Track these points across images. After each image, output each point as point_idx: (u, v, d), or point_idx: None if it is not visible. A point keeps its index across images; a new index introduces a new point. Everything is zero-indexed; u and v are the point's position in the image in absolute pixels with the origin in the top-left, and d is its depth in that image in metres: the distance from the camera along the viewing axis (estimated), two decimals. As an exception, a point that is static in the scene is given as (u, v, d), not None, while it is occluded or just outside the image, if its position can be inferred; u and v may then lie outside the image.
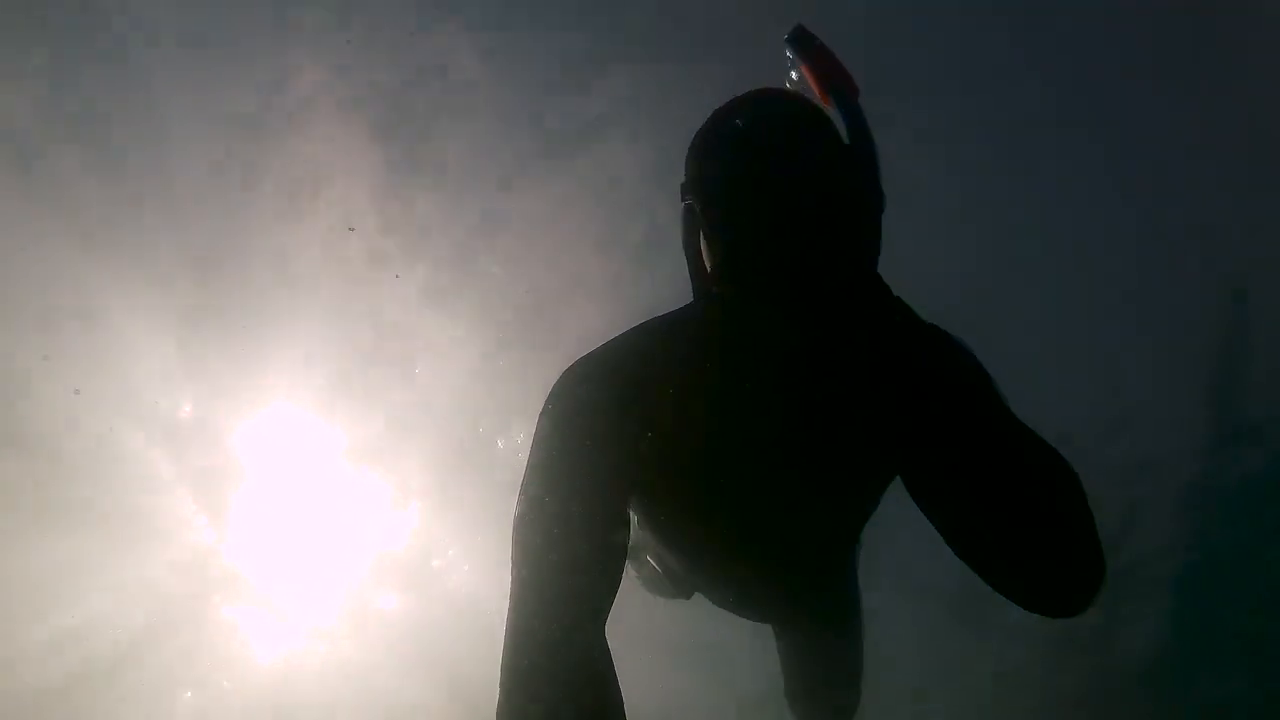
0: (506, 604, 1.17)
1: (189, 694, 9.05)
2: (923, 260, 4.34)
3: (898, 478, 1.33)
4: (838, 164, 1.17)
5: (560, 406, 1.26)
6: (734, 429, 1.34)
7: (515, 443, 7.63)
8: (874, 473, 1.48)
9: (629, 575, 2.63)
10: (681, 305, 1.42)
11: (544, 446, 1.24)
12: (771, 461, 1.38)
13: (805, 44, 1.36)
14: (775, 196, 1.13)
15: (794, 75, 1.40)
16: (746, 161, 1.16)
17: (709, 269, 1.25)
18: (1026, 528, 1.10)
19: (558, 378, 1.32)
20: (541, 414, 1.28)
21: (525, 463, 1.26)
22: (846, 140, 1.24)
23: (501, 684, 1.09)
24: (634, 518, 1.53)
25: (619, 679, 1.13)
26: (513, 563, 1.17)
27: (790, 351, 1.26)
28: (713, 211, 1.20)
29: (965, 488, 1.14)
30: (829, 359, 1.25)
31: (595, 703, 1.07)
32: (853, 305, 1.14)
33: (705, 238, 1.24)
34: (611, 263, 7.42)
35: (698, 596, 2.26)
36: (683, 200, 1.27)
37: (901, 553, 5.72)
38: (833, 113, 1.28)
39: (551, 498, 1.18)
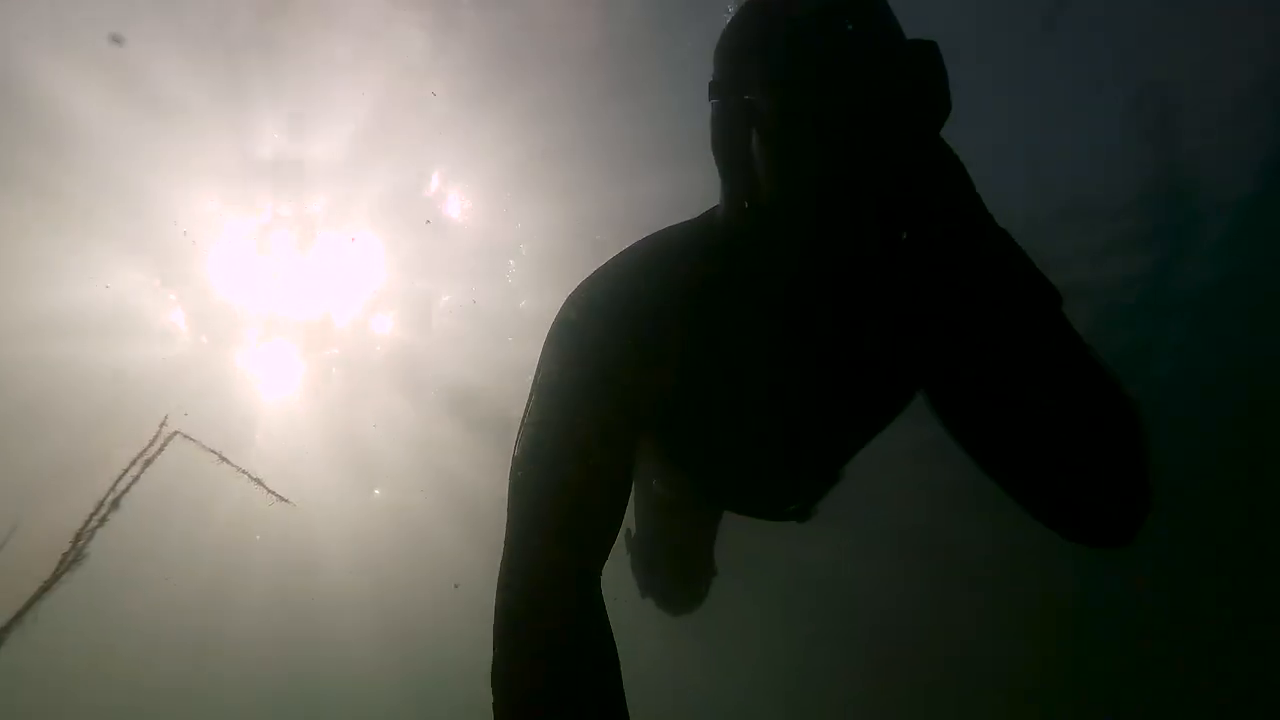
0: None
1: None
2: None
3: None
4: (912, 58, 1.06)
5: (571, 340, 1.19)
6: (760, 362, 1.26)
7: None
8: (907, 391, 1.38)
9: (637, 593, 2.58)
10: (702, 213, 1.32)
11: (550, 382, 1.16)
12: (800, 389, 1.30)
13: None
14: (857, 89, 1.02)
15: None
16: (823, 53, 1.04)
17: (761, 173, 1.12)
18: (1083, 467, 1.06)
19: (570, 297, 1.24)
20: (549, 340, 1.20)
21: (530, 387, 1.19)
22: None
23: (496, 638, 1.04)
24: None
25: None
26: (509, 505, 1.12)
27: (839, 265, 1.15)
28: (787, 109, 1.06)
29: (1017, 415, 1.10)
30: (876, 272, 1.17)
31: (592, 658, 1.04)
32: (923, 213, 1.07)
33: (763, 139, 1.10)
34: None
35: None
36: (714, 97, 1.15)
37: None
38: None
39: (555, 438, 1.11)
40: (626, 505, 1.17)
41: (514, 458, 1.14)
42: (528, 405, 1.18)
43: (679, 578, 2.50)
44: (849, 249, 1.11)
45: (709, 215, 1.30)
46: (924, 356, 1.26)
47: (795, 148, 1.07)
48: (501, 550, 1.10)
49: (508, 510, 1.12)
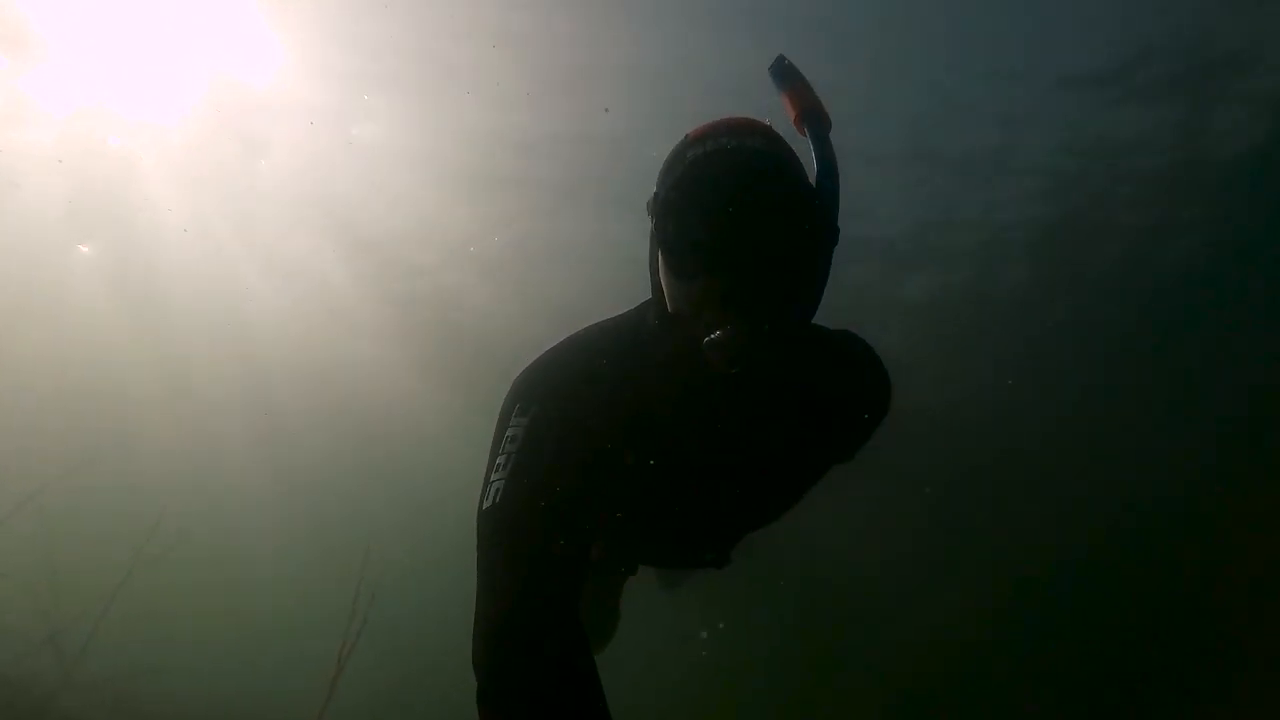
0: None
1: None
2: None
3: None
4: (801, 230, 1.21)
5: (534, 416, 1.34)
6: (673, 453, 1.45)
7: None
8: (806, 478, 1.70)
9: None
10: (639, 306, 1.50)
11: (522, 449, 1.30)
12: (709, 477, 1.53)
13: (787, 75, 1.45)
14: (737, 268, 1.18)
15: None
16: (712, 233, 1.18)
17: (666, 298, 1.31)
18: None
19: (523, 380, 1.42)
20: (510, 414, 1.37)
21: (491, 449, 1.35)
22: (815, 165, 1.32)
23: (484, 669, 1.12)
24: None
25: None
26: (480, 551, 1.23)
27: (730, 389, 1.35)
28: (674, 263, 1.24)
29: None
30: (760, 392, 1.40)
31: (574, 680, 1.11)
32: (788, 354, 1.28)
33: (664, 275, 1.29)
34: None
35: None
36: (648, 207, 1.31)
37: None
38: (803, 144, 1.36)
39: (527, 497, 1.24)
40: (593, 541, 1.32)
41: (483, 511, 1.27)
42: (492, 466, 1.32)
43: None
44: (726, 366, 1.24)
45: (641, 312, 1.48)
46: (826, 444, 1.59)
47: (672, 272, 1.25)
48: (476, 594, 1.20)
49: (481, 557, 1.23)
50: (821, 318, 1.38)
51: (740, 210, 1.17)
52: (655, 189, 1.34)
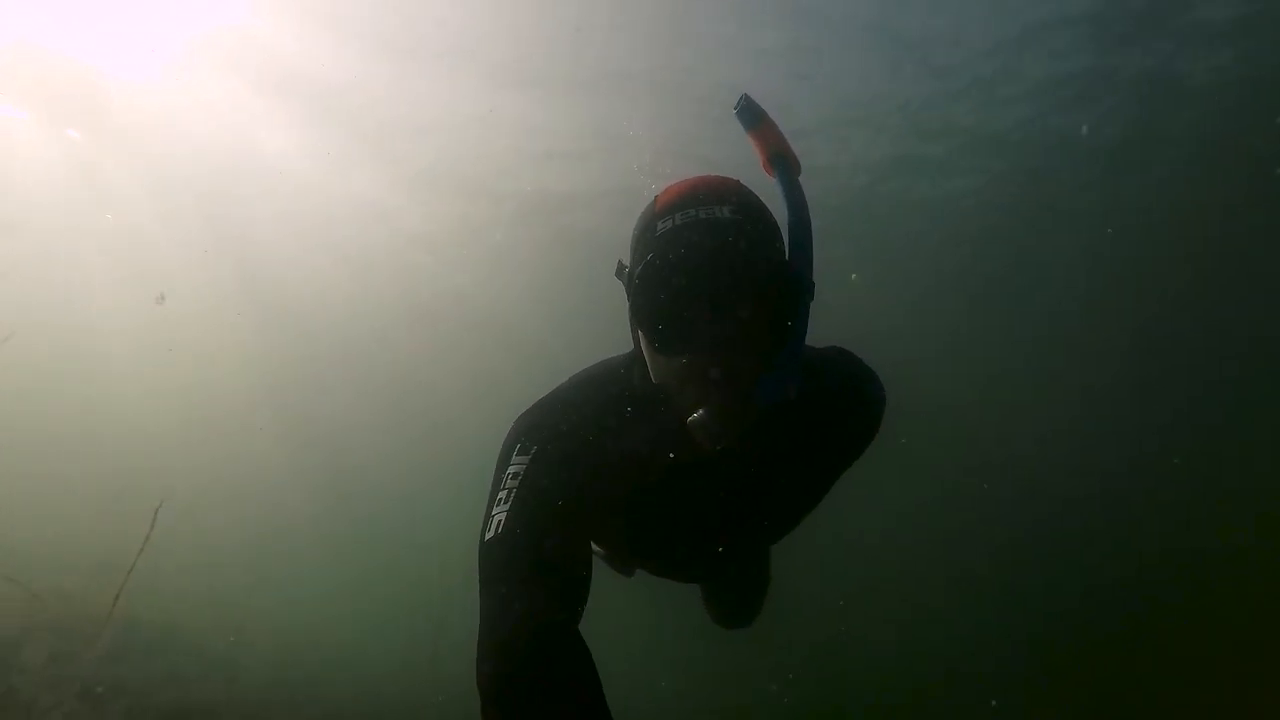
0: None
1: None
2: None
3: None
4: (776, 300, 1.21)
5: (535, 455, 1.34)
6: (676, 496, 1.48)
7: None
8: (808, 504, 1.70)
9: None
10: (627, 356, 1.51)
11: (523, 484, 1.31)
12: (712, 517, 1.55)
13: (753, 116, 1.39)
14: (714, 346, 1.18)
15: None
16: (686, 313, 1.19)
17: (647, 362, 1.32)
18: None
19: (524, 422, 1.43)
20: (512, 452, 1.38)
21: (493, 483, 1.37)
22: (785, 210, 1.28)
23: (488, 692, 1.10)
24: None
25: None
26: (484, 580, 1.24)
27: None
28: (650, 340, 1.25)
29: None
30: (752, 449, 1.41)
31: (579, 695, 1.10)
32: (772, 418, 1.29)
33: (644, 345, 1.30)
34: None
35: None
36: (622, 278, 1.32)
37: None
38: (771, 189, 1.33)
39: (528, 527, 1.24)
40: (591, 573, 1.32)
41: (485, 542, 1.27)
42: (494, 500, 1.32)
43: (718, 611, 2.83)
44: (711, 444, 1.24)
45: (628, 366, 1.48)
46: (825, 472, 1.61)
47: (650, 346, 1.26)
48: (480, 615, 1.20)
49: (483, 586, 1.22)
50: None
51: (713, 289, 1.17)
52: (627, 258, 1.33)
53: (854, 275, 12.50)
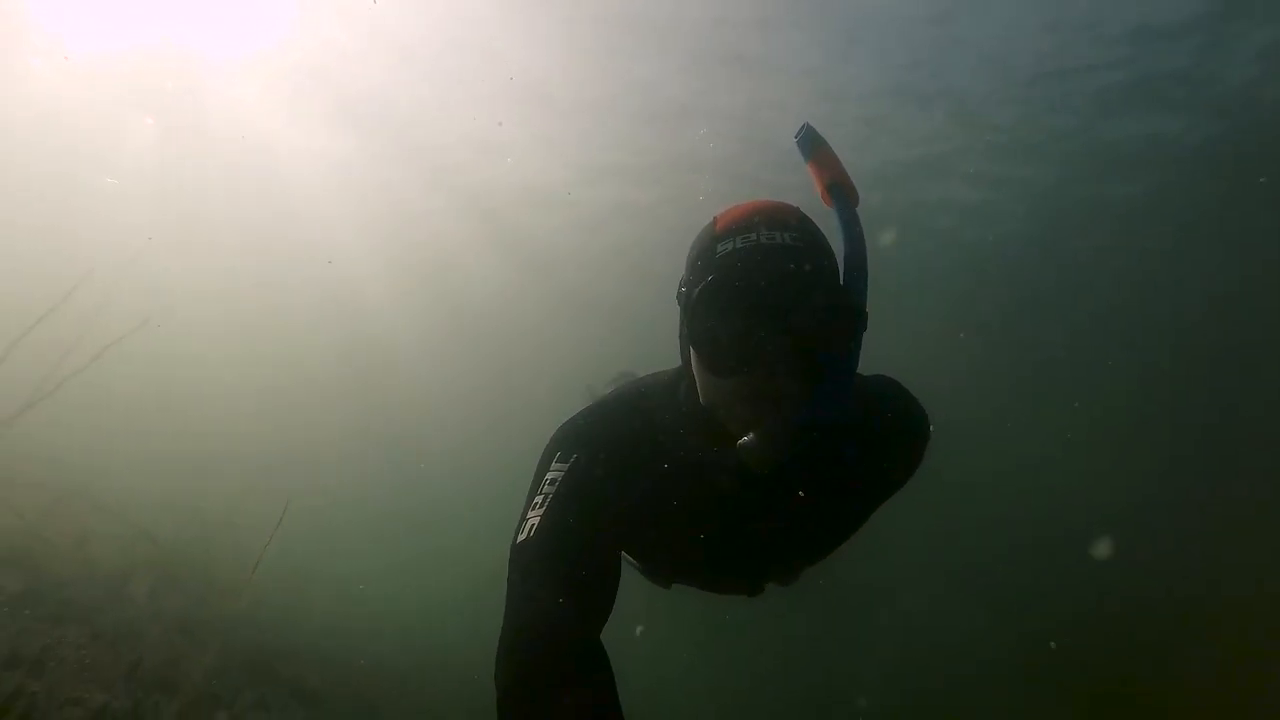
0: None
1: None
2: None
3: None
4: (833, 328, 1.21)
5: (574, 463, 1.36)
6: (715, 516, 1.47)
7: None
8: (849, 528, 1.68)
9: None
10: (674, 372, 1.51)
11: (553, 491, 1.33)
12: (752, 544, 1.55)
13: (813, 145, 1.40)
14: (771, 368, 1.19)
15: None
16: (746, 335, 1.20)
17: (698, 385, 1.33)
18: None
19: (565, 432, 1.45)
20: (550, 459, 1.40)
21: (530, 490, 1.39)
22: (841, 240, 1.30)
23: (500, 684, 1.12)
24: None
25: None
26: (511, 581, 1.25)
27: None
28: (706, 360, 1.26)
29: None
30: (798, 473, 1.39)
31: (593, 701, 1.09)
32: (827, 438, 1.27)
33: (695, 366, 1.31)
34: None
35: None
36: (679, 298, 1.33)
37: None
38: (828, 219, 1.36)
39: (560, 533, 1.26)
40: (617, 584, 1.33)
41: (516, 544, 1.28)
42: (529, 505, 1.34)
43: None
44: (761, 468, 1.24)
45: (675, 382, 1.48)
46: (869, 500, 1.61)
47: (705, 367, 1.26)
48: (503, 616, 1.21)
49: (510, 586, 1.24)
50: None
51: (774, 312, 1.18)
52: (684, 279, 1.34)
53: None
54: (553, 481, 1.34)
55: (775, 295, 1.19)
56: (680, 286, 1.34)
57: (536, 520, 1.28)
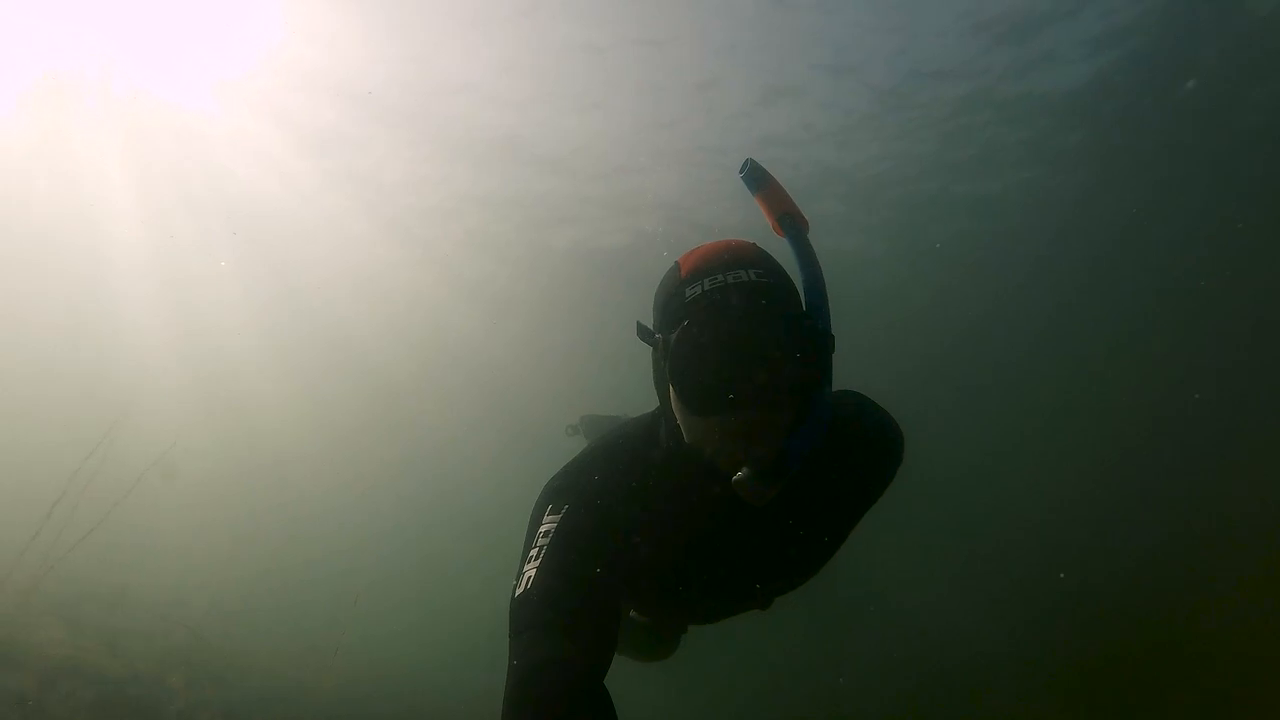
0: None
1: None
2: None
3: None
4: (808, 356, 1.25)
5: (566, 514, 1.39)
6: (703, 551, 1.53)
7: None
8: (834, 544, 1.73)
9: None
10: (653, 415, 1.56)
11: (554, 541, 1.35)
12: (739, 566, 1.60)
13: (759, 179, 1.45)
14: (752, 405, 1.23)
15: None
16: (725, 376, 1.23)
17: (680, 425, 1.36)
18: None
19: (555, 484, 1.48)
20: (544, 511, 1.43)
21: (526, 542, 1.42)
22: (798, 268, 1.35)
23: None
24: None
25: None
26: (512, 633, 1.26)
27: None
28: (688, 403, 1.28)
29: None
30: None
31: None
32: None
33: (676, 407, 1.34)
34: None
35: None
36: (654, 343, 1.36)
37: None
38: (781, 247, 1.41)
39: (556, 583, 1.28)
40: (619, 629, 1.34)
41: (515, 598, 1.30)
42: (525, 559, 1.36)
43: (643, 657, 2.67)
44: (759, 501, 1.28)
45: (654, 425, 1.52)
46: (851, 513, 1.67)
47: (686, 409, 1.28)
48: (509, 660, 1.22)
49: (512, 639, 1.25)
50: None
51: (752, 347, 1.22)
52: (656, 323, 1.38)
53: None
54: (546, 533, 1.37)
55: (750, 331, 1.23)
56: (655, 332, 1.37)
57: (533, 572, 1.30)
